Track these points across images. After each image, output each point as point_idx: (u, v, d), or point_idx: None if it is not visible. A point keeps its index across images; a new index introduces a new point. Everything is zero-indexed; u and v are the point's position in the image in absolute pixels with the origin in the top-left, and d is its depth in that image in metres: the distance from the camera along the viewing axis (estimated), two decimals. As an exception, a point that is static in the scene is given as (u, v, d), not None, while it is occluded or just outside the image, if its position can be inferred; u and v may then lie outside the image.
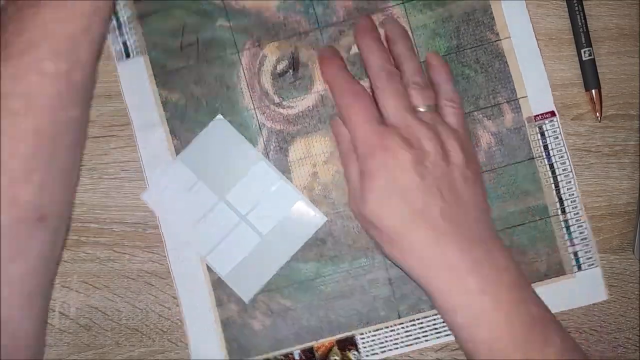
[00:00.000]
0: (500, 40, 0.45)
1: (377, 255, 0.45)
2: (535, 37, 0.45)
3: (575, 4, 0.44)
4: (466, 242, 0.38)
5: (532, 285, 0.44)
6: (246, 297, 0.45)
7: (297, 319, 0.45)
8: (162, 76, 0.45)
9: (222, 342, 0.45)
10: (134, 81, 0.45)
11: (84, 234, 0.45)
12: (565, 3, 0.45)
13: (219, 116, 0.45)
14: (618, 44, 0.45)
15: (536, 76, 0.45)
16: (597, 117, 0.45)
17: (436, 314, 0.45)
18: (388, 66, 0.41)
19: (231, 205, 0.45)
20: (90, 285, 0.45)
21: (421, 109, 0.40)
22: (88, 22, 0.38)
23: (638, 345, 0.45)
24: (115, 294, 0.45)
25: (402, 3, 0.45)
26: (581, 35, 0.44)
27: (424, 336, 0.45)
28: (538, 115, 0.45)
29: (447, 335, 0.45)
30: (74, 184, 0.43)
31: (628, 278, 0.45)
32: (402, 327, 0.45)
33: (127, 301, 0.45)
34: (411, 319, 0.45)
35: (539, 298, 0.39)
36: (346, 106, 0.41)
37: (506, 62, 0.45)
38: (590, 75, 0.44)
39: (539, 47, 0.45)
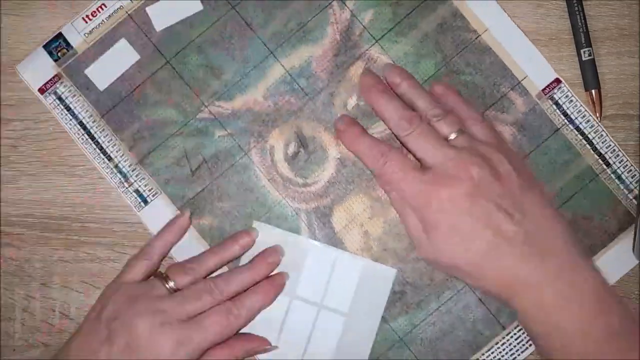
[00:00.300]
0: (479, 36, 0.45)
1: (458, 282, 0.45)
2: (508, 15, 0.45)
3: (575, 4, 0.45)
4: (538, 256, 0.38)
5: (611, 244, 0.44)
6: None
7: None
8: (187, 206, 0.45)
9: None
10: (162, 224, 0.45)
11: (84, 234, 0.46)
12: (564, 3, 0.45)
13: (255, 223, 0.45)
14: (618, 44, 0.45)
15: (527, 53, 0.45)
16: (597, 117, 0.45)
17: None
18: (405, 113, 0.41)
19: (305, 299, 0.44)
20: (90, 285, 0.46)
21: (452, 137, 0.40)
22: None
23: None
24: None
25: (376, 42, 0.45)
26: (581, 36, 0.45)
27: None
28: (545, 89, 0.45)
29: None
30: None
31: (628, 278, 0.45)
32: (512, 336, 0.45)
33: None
34: (515, 325, 0.45)
35: (623, 306, 0.38)
36: (381, 168, 0.41)
37: (494, 53, 0.45)
38: (590, 76, 0.45)
39: (514, 23, 0.45)
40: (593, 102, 0.45)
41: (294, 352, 0.44)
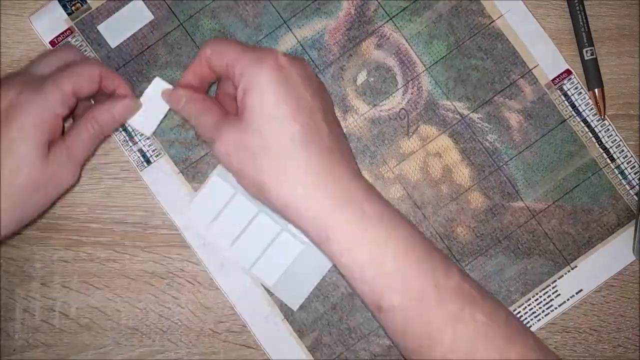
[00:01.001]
0: (494, 21, 0.45)
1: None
2: (524, 3, 0.45)
3: (577, 4, 0.45)
4: (353, 171, 0.36)
5: (609, 239, 0.45)
6: (294, 305, 0.45)
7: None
8: (189, 170, 0.45)
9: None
10: (164, 184, 0.45)
11: (84, 234, 0.46)
12: (565, 3, 0.45)
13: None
14: (618, 44, 0.45)
15: (540, 42, 0.45)
16: (602, 117, 0.45)
17: (528, 300, 0.45)
18: None
19: (271, 215, 0.44)
20: (90, 285, 0.46)
21: None
22: None
23: (638, 345, 0.45)
24: (115, 294, 0.46)
25: (390, 19, 0.45)
26: (583, 35, 0.45)
27: (525, 324, 0.45)
28: (555, 79, 0.45)
29: (546, 315, 0.45)
30: None
31: (628, 278, 0.45)
32: (502, 324, 0.45)
33: (127, 301, 0.46)
34: (507, 313, 0.45)
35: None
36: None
37: (507, 39, 0.45)
38: (593, 75, 0.45)
39: (530, 12, 0.45)
40: (596, 102, 0.45)
41: (244, 261, 0.45)
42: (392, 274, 0.35)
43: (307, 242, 0.44)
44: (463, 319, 0.34)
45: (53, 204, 0.40)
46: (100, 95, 0.41)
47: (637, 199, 0.45)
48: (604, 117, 0.45)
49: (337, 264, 0.36)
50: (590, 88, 0.45)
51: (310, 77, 0.37)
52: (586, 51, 0.45)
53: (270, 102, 0.35)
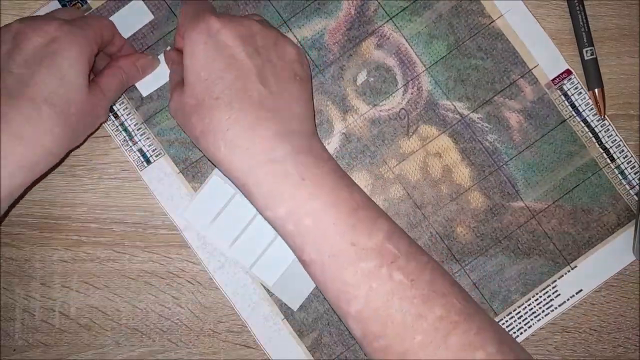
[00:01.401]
0: (494, 21, 0.45)
1: (454, 264, 0.45)
2: (524, 4, 0.45)
3: (577, 4, 0.45)
4: (285, 131, 0.37)
5: (609, 239, 0.44)
6: (294, 305, 0.45)
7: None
8: (189, 170, 0.45)
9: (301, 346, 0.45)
10: (164, 184, 0.45)
11: (84, 234, 0.46)
12: (565, 3, 0.45)
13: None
14: (618, 44, 0.45)
15: (540, 42, 0.45)
16: (602, 117, 0.45)
17: (528, 300, 0.45)
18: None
19: None
20: (90, 285, 0.46)
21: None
22: None
23: (638, 345, 0.45)
24: (115, 294, 0.46)
25: (390, 19, 0.45)
26: (583, 35, 0.44)
27: (525, 324, 0.45)
28: (555, 79, 0.45)
29: (546, 315, 0.45)
30: None
31: (628, 278, 0.45)
32: (503, 323, 0.45)
33: (127, 301, 0.46)
34: (507, 312, 0.45)
35: (361, 190, 0.38)
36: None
37: (507, 39, 0.45)
38: (593, 75, 0.45)
39: (530, 12, 0.45)
40: (596, 102, 0.45)
41: (244, 261, 0.45)
42: (309, 231, 0.36)
43: None
44: (379, 277, 0.35)
45: (85, 140, 0.43)
46: (103, 56, 0.44)
47: (637, 199, 0.45)
48: (604, 117, 0.45)
49: (263, 215, 0.37)
50: (590, 88, 0.45)
51: (250, 36, 0.38)
52: (586, 51, 0.45)
53: (199, 64, 0.37)
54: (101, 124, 0.43)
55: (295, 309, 0.45)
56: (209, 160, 0.40)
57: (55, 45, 0.38)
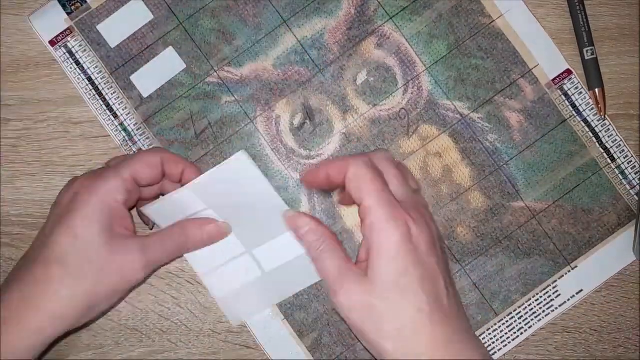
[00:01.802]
0: (494, 21, 0.45)
1: (454, 264, 0.45)
2: (524, 3, 0.45)
3: (577, 4, 0.44)
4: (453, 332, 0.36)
5: (610, 239, 0.45)
6: (234, 322, 0.45)
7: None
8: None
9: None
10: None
11: None
12: (565, 3, 0.45)
13: (241, 152, 0.40)
14: (618, 44, 0.45)
15: (540, 42, 0.45)
16: (602, 116, 0.45)
17: (529, 300, 0.45)
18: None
19: (240, 236, 0.43)
20: None
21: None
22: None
23: (638, 345, 0.45)
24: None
25: (390, 19, 0.45)
26: (583, 35, 0.44)
27: (526, 324, 0.45)
28: (555, 79, 0.45)
29: (547, 315, 0.45)
30: None
31: (628, 278, 0.45)
32: (504, 323, 0.45)
33: (127, 301, 0.45)
34: (508, 312, 0.45)
35: None
36: None
37: (507, 39, 0.45)
38: (593, 75, 0.44)
39: (530, 12, 0.45)
40: (597, 101, 0.45)
41: (199, 266, 0.44)
42: None
43: (267, 270, 0.44)
44: None
45: (120, 299, 0.40)
46: (168, 184, 0.42)
47: (637, 198, 0.45)
48: (605, 117, 0.45)
49: None
50: (590, 88, 0.45)
51: (435, 242, 0.37)
52: (586, 51, 0.45)
53: (398, 271, 0.35)
54: (138, 285, 0.40)
55: (234, 325, 0.45)
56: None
57: (73, 204, 0.37)
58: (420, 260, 0.36)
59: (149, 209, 0.42)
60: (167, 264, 0.43)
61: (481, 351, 0.37)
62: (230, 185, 0.40)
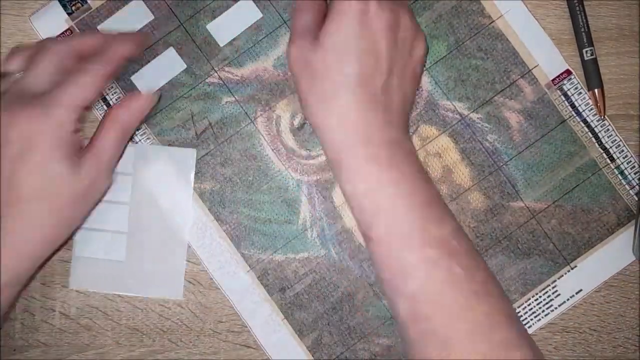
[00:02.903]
0: (494, 21, 0.45)
1: (454, 265, 0.45)
2: (524, 4, 0.45)
3: (577, 4, 0.44)
4: (389, 120, 0.39)
5: (609, 239, 0.45)
6: (73, 285, 0.45)
7: (402, 353, 0.45)
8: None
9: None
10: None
11: None
12: (564, 3, 0.45)
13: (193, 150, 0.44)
14: (618, 44, 0.45)
15: (540, 42, 0.45)
16: (601, 117, 0.45)
17: (528, 300, 0.45)
18: None
19: (132, 218, 0.45)
20: None
21: None
22: None
23: (638, 345, 0.45)
24: (115, 294, 0.45)
25: (390, 20, 0.45)
26: (583, 35, 0.44)
27: (525, 324, 0.45)
28: (555, 79, 0.45)
29: (546, 315, 0.45)
30: None
31: (628, 278, 0.45)
32: (502, 324, 0.45)
33: (127, 301, 0.46)
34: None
35: (437, 190, 0.41)
36: None
37: (507, 39, 0.45)
38: (593, 75, 0.44)
39: (530, 12, 0.45)
40: (596, 102, 0.45)
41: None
42: (384, 210, 0.38)
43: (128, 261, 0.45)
44: (439, 266, 0.37)
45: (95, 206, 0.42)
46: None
47: (637, 199, 0.45)
48: (604, 117, 0.45)
49: (342, 189, 0.40)
50: (590, 88, 0.45)
51: (396, 27, 0.39)
52: (586, 51, 0.45)
53: (342, 38, 0.38)
54: (108, 189, 0.42)
55: (71, 286, 0.45)
56: (305, 115, 0.41)
57: (27, 143, 0.37)
58: (367, 35, 0.38)
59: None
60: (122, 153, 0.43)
61: (397, 146, 0.39)
62: (162, 174, 0.43)
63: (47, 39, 0.44)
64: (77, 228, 0.43)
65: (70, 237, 0.40)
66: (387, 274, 0.38)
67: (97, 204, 0.42)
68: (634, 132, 0.45)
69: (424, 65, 0.43)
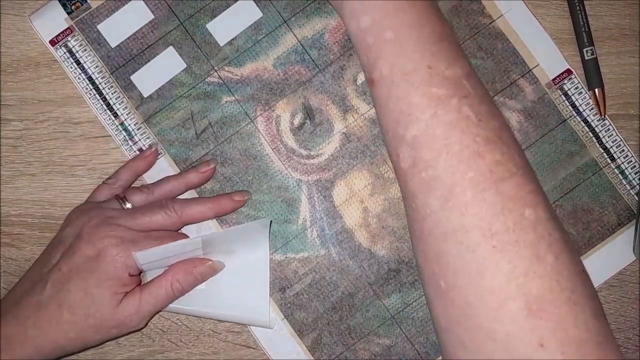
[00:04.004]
0: (494, 21, 0.45)
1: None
2: (524, 3, 0.45)
3: (577, 4, 0.44)
4: None
5: (610, 239, 0.45)
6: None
7: (402, 353, 0.45)
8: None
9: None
10: (164, 184, 0.45)
11: None
12: (565, 3, 0.45)
13: (267, 219, 0.44)
14: (618, 44, 0.45)
15: (540, 42, 0.45)
16: (602, 116, 0.45)
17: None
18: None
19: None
20: None
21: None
22: None
23: (638, 345, 0.45)
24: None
25: (390, 19, 0.45)
26: (583, 35, 0.44)
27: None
28: (555, 79, 0.45)
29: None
30: None
31: (628, 278, 0.45)
32: (503, 324, 0.45)
33: None
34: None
35: (453, 30, 0.38)
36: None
37: (507, 39, 0.45)
38: (593, 75, 0.45)
39: (530, 11, 0.45)
40: (597, 101, 0.45)
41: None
42: (388, 45, 0.34)
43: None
44: (447, 105, 0.33)
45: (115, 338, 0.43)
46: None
47: (637, 198, 0.45)
48: (605, 116, 0.45)
49: (347, 29, 0.37)
50: (590, 88, 0.45)
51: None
52: (586, 51, 0.45)
53: None
54: (136, 330, 0.43)
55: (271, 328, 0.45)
56: None
57: (95, 264, 0.39)
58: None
59: (140, 257, 0.41)
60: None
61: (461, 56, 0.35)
62: (234, 243, 0.43)
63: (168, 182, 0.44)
64: (90, 348, 0.43)
65: (80, 351, 0.42)
66: (388, 118, 0.35)
67: (118, 337, 0.43)
68: (635, 131, 0.45)
69: None
